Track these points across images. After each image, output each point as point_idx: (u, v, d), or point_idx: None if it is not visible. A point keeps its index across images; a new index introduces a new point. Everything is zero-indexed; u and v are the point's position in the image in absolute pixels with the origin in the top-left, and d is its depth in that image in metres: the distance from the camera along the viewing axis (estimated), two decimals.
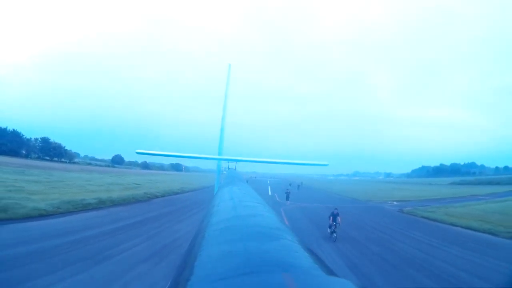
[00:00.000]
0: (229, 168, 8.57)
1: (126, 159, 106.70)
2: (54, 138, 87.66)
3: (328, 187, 65.72)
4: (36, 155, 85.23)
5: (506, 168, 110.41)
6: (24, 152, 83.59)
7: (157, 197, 25.37)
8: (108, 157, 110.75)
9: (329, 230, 13.64)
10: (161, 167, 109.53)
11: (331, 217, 13.61)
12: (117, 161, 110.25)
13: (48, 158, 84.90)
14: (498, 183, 67.16)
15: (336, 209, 14.03)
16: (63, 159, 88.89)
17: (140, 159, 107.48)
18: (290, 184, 49.42)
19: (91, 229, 12.33)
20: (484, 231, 16.70)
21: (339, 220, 13.54)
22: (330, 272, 0.96)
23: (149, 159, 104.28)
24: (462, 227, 18.06)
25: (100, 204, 18.34)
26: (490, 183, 69.03)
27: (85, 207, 17.16)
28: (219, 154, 8.26)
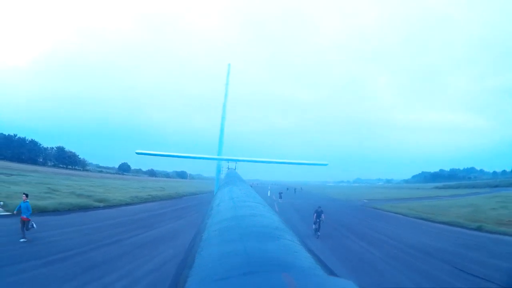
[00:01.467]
0: (228, 168, 8.69)
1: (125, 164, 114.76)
2: (53, 144, 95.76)
3: (322, 191, 75.97)
4: (52, 163, 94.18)
5: (503, 172, 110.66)
6: (41, 160, 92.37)
7: (185, 195, 35.14)
8: (109, 163, 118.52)
9: (314, 226, 14.57)
10: (166, 175, 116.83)
11: (315, 214, 14.48)
12: (124, 168, 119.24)
13: (63, 165, 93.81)
14: (474, 186, 76.55)
15: (320, 207, 14.88)
16: (76, 167, 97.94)
17: (145, 167, 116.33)
18: (287, 189, 59.11)
19: (163, 209, 22.13)
20: (404, 215, 26.46)
21: (323, 217, 14.38)
22: (330, 272, 1.00)
23: (155, 167, 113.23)
24: (393, 212, 27.87)
25: (153, 199, 28.12)
26: (467, 186, 78.41)
27: (146, 200, 26.93)
28: (219, 154, 8.55)
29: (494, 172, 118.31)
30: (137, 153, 6.02)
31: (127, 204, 23.72)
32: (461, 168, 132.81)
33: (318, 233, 14.05)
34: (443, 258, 11.13)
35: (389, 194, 59.77)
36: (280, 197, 38.28)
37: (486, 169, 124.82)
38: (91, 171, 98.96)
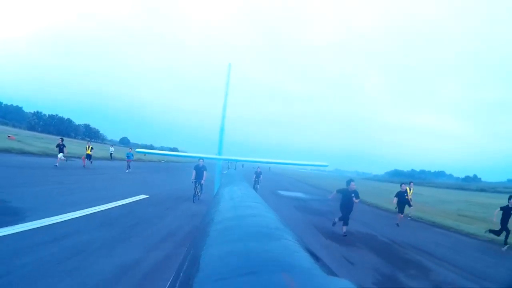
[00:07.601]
0: (229, 168, 8.87)
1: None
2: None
3: (285, 172, 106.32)
4: (80, 137, 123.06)
5: (465, 178, 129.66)
6: (72, 134, 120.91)
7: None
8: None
9: (253, 186, 16.82)
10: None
11: (255, 175, 17.25)
12: (125, 142, 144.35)
13: (88, 139, 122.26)
14: (420, 184, 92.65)
15: (258, 168, 17.49)
16: (97, 140, 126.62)
17: (141, 141, 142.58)
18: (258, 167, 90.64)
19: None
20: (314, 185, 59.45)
21: (261, 177, 17.47)
22: (330, 272, 1.02)
23: (151, 142, 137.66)
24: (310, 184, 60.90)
25: (188, 162, 60.75)
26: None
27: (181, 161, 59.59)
28: (219, 153, 8.73)
29: (457, 177, 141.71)
30: (137, 152, 6.13)
31: (182, 162, 56.23)
32: (432, 170, 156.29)
33: (258, 186, 17.22)
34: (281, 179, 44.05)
35: (324, 177, 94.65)
36: (242, 166, 70.01)
37: (455, 175, 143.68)
38: (106, 144, 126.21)
